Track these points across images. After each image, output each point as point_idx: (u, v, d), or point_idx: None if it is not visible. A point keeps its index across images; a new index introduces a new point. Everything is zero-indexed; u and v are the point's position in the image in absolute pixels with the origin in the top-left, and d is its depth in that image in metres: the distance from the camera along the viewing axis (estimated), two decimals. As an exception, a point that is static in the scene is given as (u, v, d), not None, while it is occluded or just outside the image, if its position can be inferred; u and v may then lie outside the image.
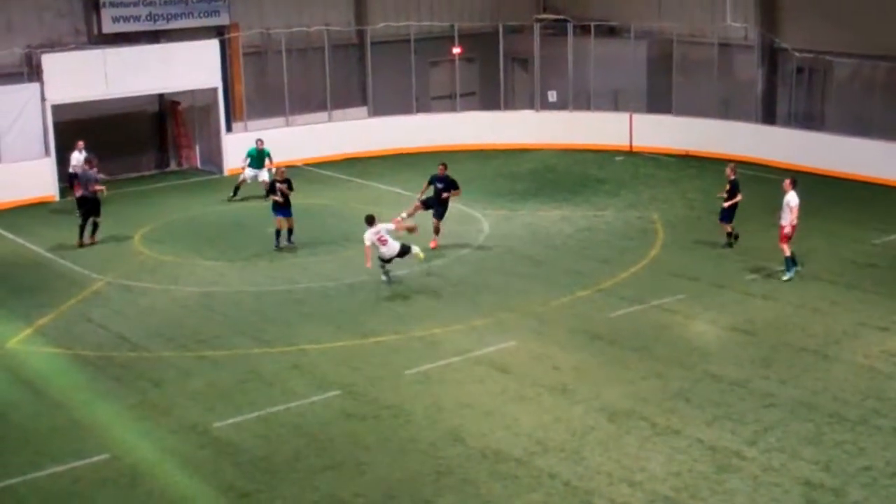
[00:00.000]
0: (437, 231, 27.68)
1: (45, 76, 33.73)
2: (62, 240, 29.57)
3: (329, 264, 26.75)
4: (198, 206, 33.15)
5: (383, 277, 24.77)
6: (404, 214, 27.24)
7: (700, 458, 16.38)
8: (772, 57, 38.31)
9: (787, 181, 24.67)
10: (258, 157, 33.35)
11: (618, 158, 38.43)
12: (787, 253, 24.22)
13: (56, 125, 33.94)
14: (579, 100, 40.78)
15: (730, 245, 26.81)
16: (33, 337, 22.31)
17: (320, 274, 25.98)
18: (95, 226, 29.58)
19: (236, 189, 33.45)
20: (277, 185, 27.73)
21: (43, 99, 33.75)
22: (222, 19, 38.42)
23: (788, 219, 24.21)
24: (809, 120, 37.15)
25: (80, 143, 31.96)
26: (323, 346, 21.31)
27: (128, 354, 21.18)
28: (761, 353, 20.43)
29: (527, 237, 28.86)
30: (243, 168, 33.55)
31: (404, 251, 24.56)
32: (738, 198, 26.51)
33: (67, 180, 32.35)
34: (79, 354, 21.23)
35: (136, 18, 36.72)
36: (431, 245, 27.36)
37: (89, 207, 29.38)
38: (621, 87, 40.48)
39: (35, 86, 33.87)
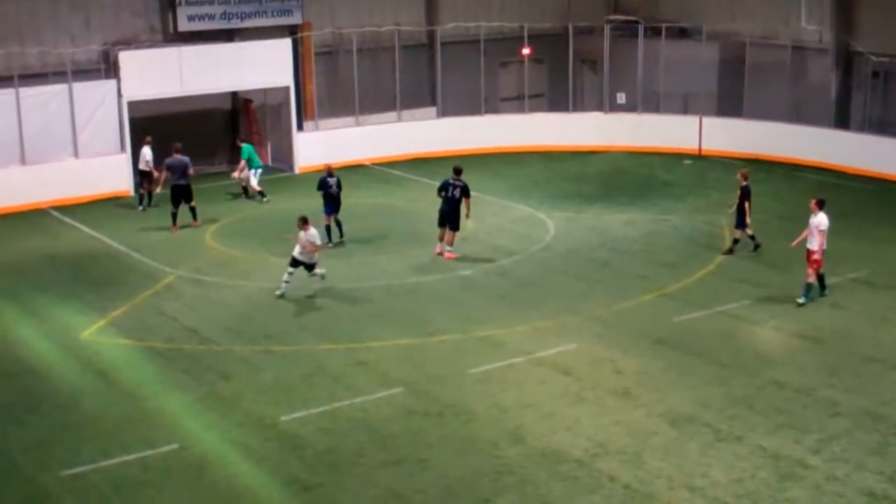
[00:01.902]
0: (451, 243, 27.31)
1: (122, 73, 34.30)
2: (136, 234, 30.14)
3: (395, 263, 26.99)
4: (269, 203, 33.52)
5: (284, 283, 24.43)
6: (443, 246, 27.27)
7: (762, 465, 16.38)
8: (846, 60, 37.88)
9: (814, 202, 23.37)
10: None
11: (686, 162, 38.31)
12: (812, 279, 23.18)
13: (131, 121, 34.53)
14: (648, 102, 40.68)
15: (731, 251, 26.88)
16: (107, 328, 22.78)
17: (386, 272, 26.23)
18: (193, 210, 30.47)
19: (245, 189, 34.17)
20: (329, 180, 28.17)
21: (119, 95, 34.34)
22: (295, 18, 38.84)
23: (818, 243, 23.01)
24: (884, 125, 36.66)
25: (149, 139, 32.46)
26: (387, 343, 21.55)
27: (198, 347, 21.58)
28: (827, 362, 20.34)
29: (592, 240, 28.90)
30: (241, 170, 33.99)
31: (312, 266, 24.47)
32: (747, 205, 26.47)
33: (139, 175, 32.89)
34: (150, 346, 21.65)
35: (211, 17, 37.28)
36: (448, 257, 27.09)
37: (181, 194, 30.26)
38: (691, 89, 40.32)
39: (112, 82, 34.47)
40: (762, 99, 38.31)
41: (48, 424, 18.18)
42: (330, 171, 28.40)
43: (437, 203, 27.32)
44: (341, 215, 28.52)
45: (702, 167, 37.22)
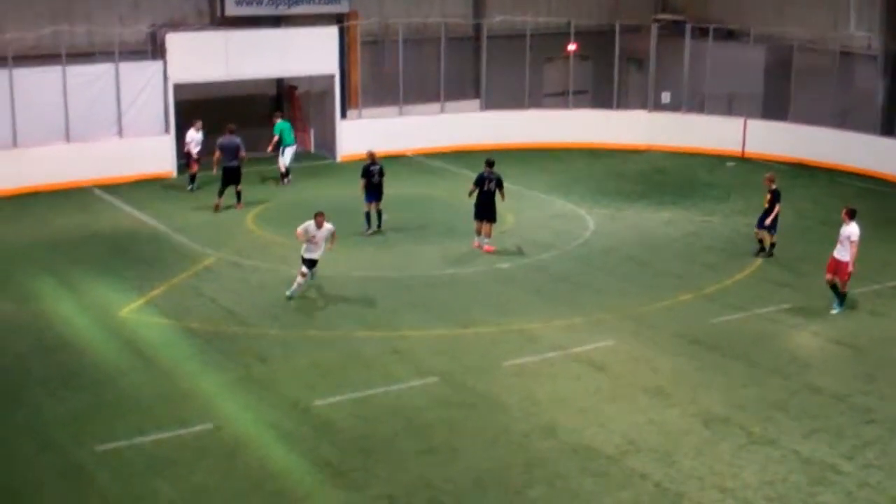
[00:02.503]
0: (489, 234, 27.32)
1: (169, 55, 34.50)
2: (177, 215, 30.37)
3: (434, 254, 27.04)
4: (310, 189, 33.67)
5: (293, 288, 23.39)
6: (481, 239, 27.33)
7: (795, 469, 16.32)
8: (894, 67, 37.57)
9: (844, 211, 22.86)
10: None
11: (729, 164, 38.15)
12: (845, 289, 22.88)
13: (176, 104, 34.73)
14: (693, 102, 40.54)
15: (770, 254, 26.70)
16: (145, 307, 22.96)
17: (425, 262, 26.29)
18: (238, 194, 30.80)
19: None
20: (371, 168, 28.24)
21: (165, 77, 34.54)
22: (342, 7, 38.90)
23: (849, 254, 22.50)
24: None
25: (198, 123, 32.72)
26: (424, 332, 21.61)
27: (235, 329, 21.71)
28: (864, 369, 20.22)
29: (631, 238, 28.85)
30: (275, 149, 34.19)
31: (312, 265, 23.34)
32: (778, 209, 26.37)
33: (184, 157, 33.14)
34: (188, 326, 21.81)
35: (259, 2, 37.38)
36: (487, 250, 27.10)
37: (231, 176, 30.66)
38: (737, 91, 40.12)
39: (158, 64, 34.66)
40: (808, 103, 38.03)
41: (84, 400, 18.36)
42: (373, 159, 28.42)
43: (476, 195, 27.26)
44: (382, 204, 28.58)
45: (745, 169, 37.04)
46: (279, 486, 15.56)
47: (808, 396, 18.94)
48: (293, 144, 34.30)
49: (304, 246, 23.09)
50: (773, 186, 26.51)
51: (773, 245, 26.81)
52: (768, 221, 26.55)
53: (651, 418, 17.96)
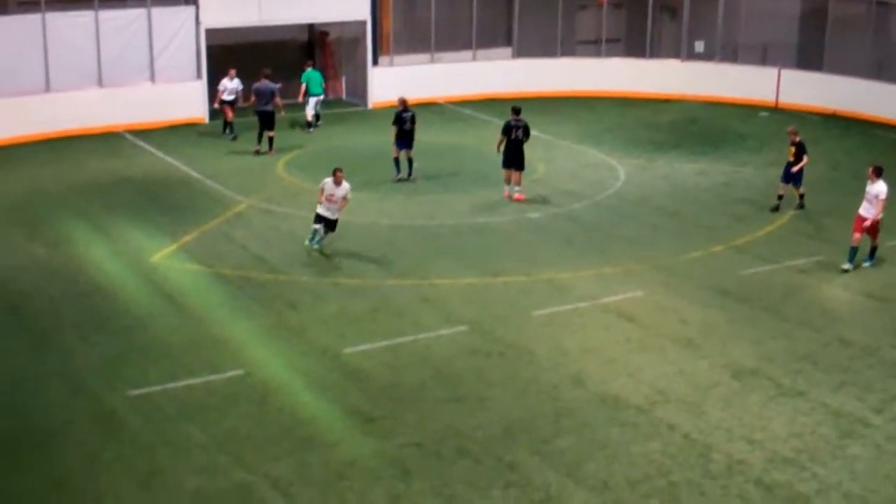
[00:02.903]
0: (519, 183, 27.26)
1: (201, 0, 34.47)
2: (210, 161, 30.47)
3: (464, 202, 27.04)
4: (341, 136, 33.67)
5: (312, 238, 23.03)
6: (511, 187, 27.29)
7: (823, 421, 16.32)
8: (932, 18, 37.18)
9: (871, 170, 22.45)
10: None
11: (762, 114, 37.87)
12: (876, 243, 22.63)
13: (208, 49, 34.73)
14: (727, 51, 40.20)
15: (800, 206, 26.53)
16: (177, 253, 23.10)
17: (455, 211, 26.29)
18: (270, 140, 30.96)
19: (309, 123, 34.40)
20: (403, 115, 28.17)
21: (197, 22, 34.53)
22: (375, -48, 38.73)
23: (875, 212, 22.16)
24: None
25: (232, 71, 32.66)
26: (453, 281, 21.65)
27: (266, 276, 21.83)
28: (894, 322, 20.13)
29: (663, 188, 28.75)
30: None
31: (332, 226, 22.88)
32: (805, 160, 26.13)
33: (219, 104, 33.12)
34: (219, 272, 21.94)
35: (292, -53, 37.21)
36: (517, 198, 27.09)
37: (264, 121, 30.84)
38: (771, 40, 39.74)
39: (191, 9, 34.64)
40: (843, 53, 37.64)
41: (116, 345, 18.52)
42: (405, 106, 28.30)
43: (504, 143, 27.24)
44: (413, 152, 28.53)
45: (778, 120, 36.71)
46: (309, 433, 15.69)
47: (838, 349, 18.91)
48: (319, 95, 34.21)
49: (321, 201, 22.68)
50: (798, 139, 26.25)
51: (801, 197, 26.62)
52: (795, 169, 26.25)
53: (680, 369, 17.98)
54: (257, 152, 31.01)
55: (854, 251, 22.47)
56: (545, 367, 17.97)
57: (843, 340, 19.26)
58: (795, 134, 26.39)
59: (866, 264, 22.65)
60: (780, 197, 26.57)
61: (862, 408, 16.77)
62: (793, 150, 26.16)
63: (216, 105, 32.87)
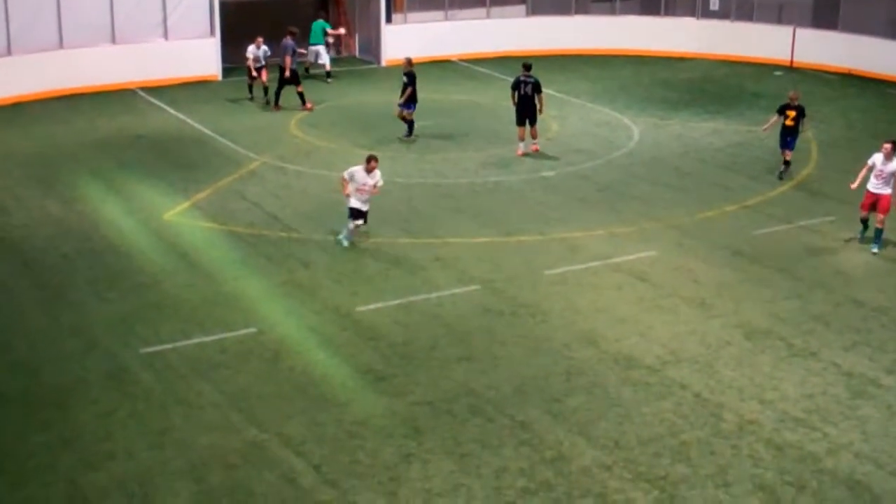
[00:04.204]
0: (535, 136, 27.50)
1: (215, -45, 34.40)
2: (223, 118, 30.44)
3: (476, 161, 26.99)
4: (354, 94, 33.59)
5: (345, 234, 21.13)
6: (525, 144, 27.35)
7: (834, 382, 16.32)
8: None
9: (890, 145, 21.35)
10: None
11: (777, 73, 37.64)
12: (882, 224, 21.37)
13: (221, 6, 34.59)
14: (742, 10, 39.88)
15: (781, 175, 25.85)
16: (190, 210, 23.13)
17: (468, 170, 26.24)
18: (301, 95, 31.38)
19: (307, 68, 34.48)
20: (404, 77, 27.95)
21: (211, -22, 34.44)
22: None
23: (888, 189, 21.25)
24: None
25: (259, 39, 32.06)
26: (466, 240, 21.63)
27: (279, 234, 21.84)
28: (907, 283, 20.12)
29: (676, 148, 28.64)
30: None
31: (360, 216, 20.90)
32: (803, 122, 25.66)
33: (247, 73, 32.47)
34: (232, 230, 21.96)
35: None
36: (533, 149, 27.40)
37: (289, 77, 30.95)
38: (787, -1, 39.50)
39: (204, -36, 34.54)
40: (858, 12, 37.31)
41: (129, 302, 18.57)
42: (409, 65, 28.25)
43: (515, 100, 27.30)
44: (416, 113, 28.47)
45: (793, 79, 36.49)
46: (322, 391, 15.74)
47: (851, 310, 18.87)
48: (318, 44, 34.12)
49: (349, 192, 20.71)
50: (797, 103, 25.68)
51: (788, 163, 25.96)
52: (806, 125, 25.86)
53: (692, 329, 17.98)
54: (277, 108, 31.36)
55: (865, 226, 21.82)
56: (557, 326, 17.98)
57: (855, 301, 19.22)
58: (795, 98, 25.83)
59: (875, 250, 21.44)
60: (787, 163, 26.05)
61: (874, 368, 16.76)
62: (792, 114, 25.45)
63: (253, 75, 32.22)
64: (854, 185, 21.80)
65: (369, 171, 20.65)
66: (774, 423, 15.10)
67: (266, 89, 32.13)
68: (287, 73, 30.93)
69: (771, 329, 18.02)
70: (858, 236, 21.89)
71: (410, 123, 28.43)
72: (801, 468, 14.06)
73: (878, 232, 21.46)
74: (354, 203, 20.70)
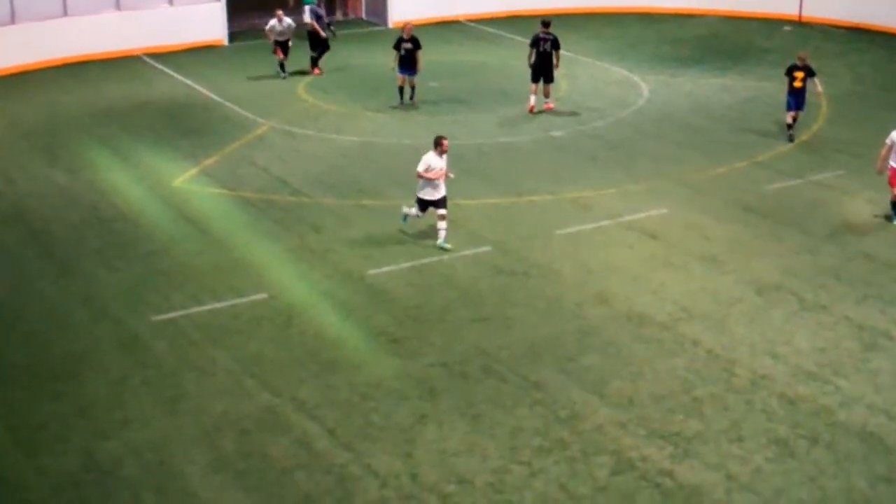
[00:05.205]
0: (548, 94, 27.58)
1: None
2: (229, 83, 30.34)
3: (486, 122, 26.89)
4: (361, 56, 33.44)
5: (410, 211, 19.85)
6: (537, 98, 27.35)
7: (846, 335, 16.31)
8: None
9: None
10: None
11: (786, 28, 37.37)
12: None
13: (226, -30, 34.49)
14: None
15: (792, 137, 25.25)
16: (198, 177, 23.09)
17: (477, 131, 26.15)
18: (313, 59, 31.37)
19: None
20: (402, 43, 27.50)
21: (216, -58, 34.26)
22: None
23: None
24: None
25: (279, 12, 31.26)
26: (477, 201, 21.58)
27: (288, 199, 21.80)
28: (919, 235, 20.04)
29: (686, 105, 28.50)
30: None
31: (428, 207, 19.46)
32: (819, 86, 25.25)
33: (273, 50, 31.40)
34: (241, 196, 21.93)
35: None
36: (547, 108, 27.48)
37: (325, 39, 31.43)
38: (796, -47, 39.13)
39: (209, -72, 34.32)
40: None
41: (139, 270, 18.58)
42: (407, 32, 27.67)
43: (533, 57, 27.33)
44: (416, 78, 28.10)
45: (801, 34, 36.28)
46: (335, 355, 15.76)
47: (861, 264, 18.82)
48: (310, 3, 33.87)
49: (421, 184, 19.33)
50: (805, 63, 25.27)
51: (795, 120, 25.38)
52: (817, 85, 25.55)
53: (704, 286, 17.94)
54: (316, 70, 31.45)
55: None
56: (569, 286, 17.95)
57: (866, 255, 19.16)
58: (804, 58, 25.41)
59: None
60: (791, 126, 25.33)
61: (885, 321, 16.74)
62: (801, 74, 24.94)
63: (276, 52, 31.39)
64: (878, 167, 20.66)
65: (442, 153, 19.22)
66: (787, 378, 15.10)
67: (282, 65, 31.07)
68: (323, 34, 31.15)
69: (782, 284, 17.98)
70: (893, 216, 20.60)
71: (399, 89, 28.04)
72: (814, 421, 14.08)
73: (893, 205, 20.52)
74: (425, 195, 19.24)
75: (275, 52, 31.13)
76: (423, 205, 19.41)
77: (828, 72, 30.77)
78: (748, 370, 15.31)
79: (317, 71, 31.34)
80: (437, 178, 19.16)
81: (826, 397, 14.63)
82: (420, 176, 19.18)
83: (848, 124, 26.37)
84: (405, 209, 19.91)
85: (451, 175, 19.56)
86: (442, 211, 19.23)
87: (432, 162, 19.12)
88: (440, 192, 19.27)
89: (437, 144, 19.23)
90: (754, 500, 12.57)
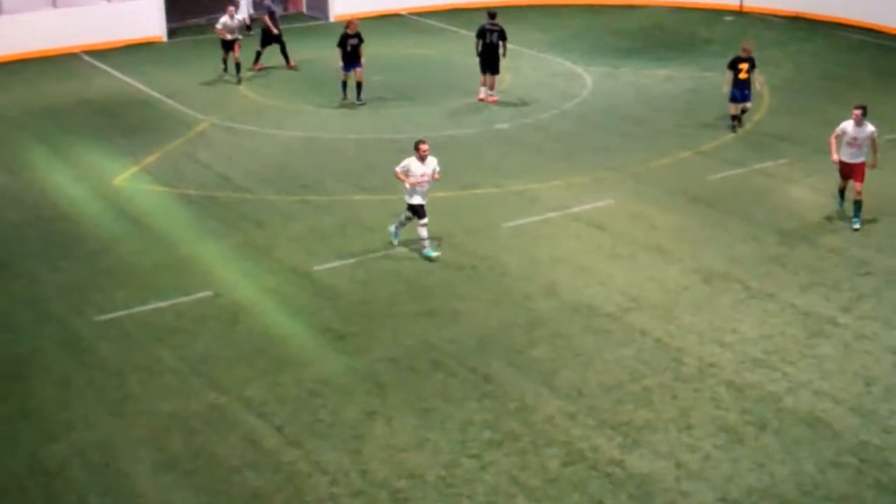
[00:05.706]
0: (492, 87, 27.66)
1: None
2: (169, 80, 30.01)
3: (431, 115, 26.81)
4: (303, 51, 33.18)
5: (394, 229, 19.22)
6: (486, 90, 27.49)
7: (792, 322, 16.41)
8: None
9: (859, 111, 19.78)
10: None
11: (727, 18, 37.60)
12: (860, 196, 19.89)
13: (165, -35, 34.15)
14: (691, -45, 39.79)
15: (735, 128, 25.32)
16: (139, 175, 22.82)
17: (422, 124, 26.05)
18: (258, 54, 31.19)
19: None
20: (348, 40, 27.24)
21: (153, -64, 33.91)
22: None
23: (866, 153, 19.96)
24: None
25: (231, 9, 30.70)
26: (422, 195, 21.49)
27: (231, 195, 21.61)
28: (862, 223, 20.16)
29: (630, 96, 28.58)
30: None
31: (416, 212, 18.70)
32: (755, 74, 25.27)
33: (221, 45, 30.48)
34: (183, 193, 21.70)
35: None
36: (491, 101, 27.48)
37: (276, 36, 31.09)
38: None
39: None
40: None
41: (82, 270, 18.32)
42: (352, 28, 27.26)
43: (473, 54, 27.44)
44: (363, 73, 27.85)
45: (743, 24, 36.53)
46: (282, 352, 15.62)
47: (806, 250, 18.95)
48: None
49: (407, 188, 18.61)
50: (749, 55, 25.30)
51: (744, 112, 25.53)
52: (759, 86, 25.65)
53: (651, 275, 17.99)
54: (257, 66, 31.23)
55: (843, 197, 20.59)
56: (517, 279, 17.93)
57: (810, 242, 19.30)
58: (748, 50, 25.49)
59: (856, 225, 19.92)
60: (735, 118, 25.39)
61: (830, 307, 16.86)
62: (745, 66, 24.87)
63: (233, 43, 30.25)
64: (833, 158, 20.22)
65: (422, 158, 18.48)
66: (734, 365, 15.17)
67: (238, 66, 30.03)
68: (275, 31, 30.83)
69: (728, 272, 18.06)
70: (837, 208, 20.62)
71: (343, 84, 27.79)
72: (762, 408, 14.15)
73: (857, 204, 19.94)
74: (416, 199, 18.50)
75: (224, 56, 30.14)
76: (415, 210, 18.55)
77: (769, 61, 31.00)
78: (696, 359, 15.36)
79: (292, 64, 31.20)
80: (420, 185, 18.45)
81: (773, 384, 14.71)
82: (398, 178, 18.56)
83: (790, 113, 26.57)
84: (391, 227, 19.16)
85: (437, 177, 18.74)
86: (424, 221, 18.61)
87: (412, 166, 18.38)
88: (426, 199, 18.73)
89: (416, 149, 18.50)
90: (704, 488, 12.61)
